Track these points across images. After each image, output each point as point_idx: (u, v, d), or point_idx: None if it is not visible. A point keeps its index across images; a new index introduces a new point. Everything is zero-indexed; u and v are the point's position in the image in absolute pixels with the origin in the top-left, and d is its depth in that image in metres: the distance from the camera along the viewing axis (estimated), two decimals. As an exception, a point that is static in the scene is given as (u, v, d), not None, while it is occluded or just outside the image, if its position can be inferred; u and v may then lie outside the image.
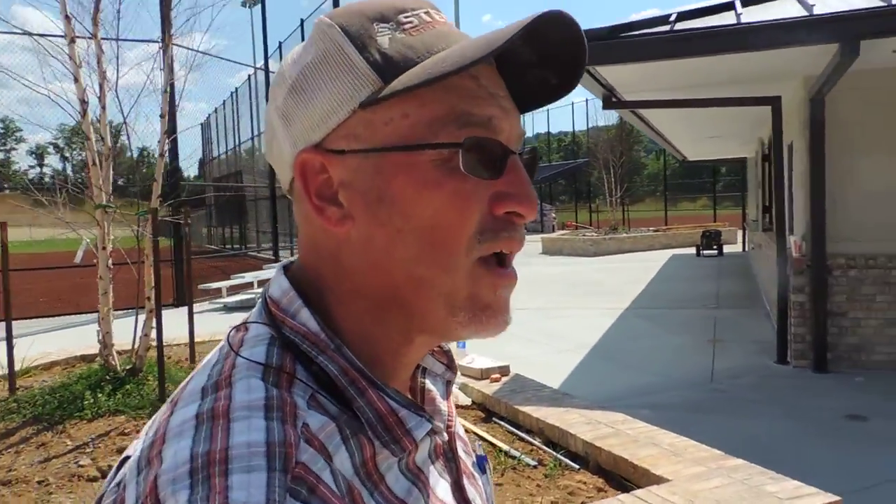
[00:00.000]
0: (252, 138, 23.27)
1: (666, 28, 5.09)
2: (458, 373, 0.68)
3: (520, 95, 0.56)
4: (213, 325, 7.77)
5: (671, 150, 15.51)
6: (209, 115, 30.98)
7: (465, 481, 0.62)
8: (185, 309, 6.15)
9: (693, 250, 17.82)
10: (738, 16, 4.98)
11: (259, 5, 23.99)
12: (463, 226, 0.50)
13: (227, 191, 25.32)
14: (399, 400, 0.51)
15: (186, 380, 0.53)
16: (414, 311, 0.53)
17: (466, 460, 0.65)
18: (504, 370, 4.79)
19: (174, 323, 6.27)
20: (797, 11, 4.88)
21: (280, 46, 20.36)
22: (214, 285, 11.66)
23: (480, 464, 0.69)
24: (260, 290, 11.75)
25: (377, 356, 0.53)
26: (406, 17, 0.53)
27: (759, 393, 5.70)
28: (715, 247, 17.30)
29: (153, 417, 0.52)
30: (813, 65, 5.30)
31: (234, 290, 11.92)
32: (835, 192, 6.02)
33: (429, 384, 0.63)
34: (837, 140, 5.97)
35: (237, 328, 0.54)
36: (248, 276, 12.20)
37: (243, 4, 33.04)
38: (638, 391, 5.86)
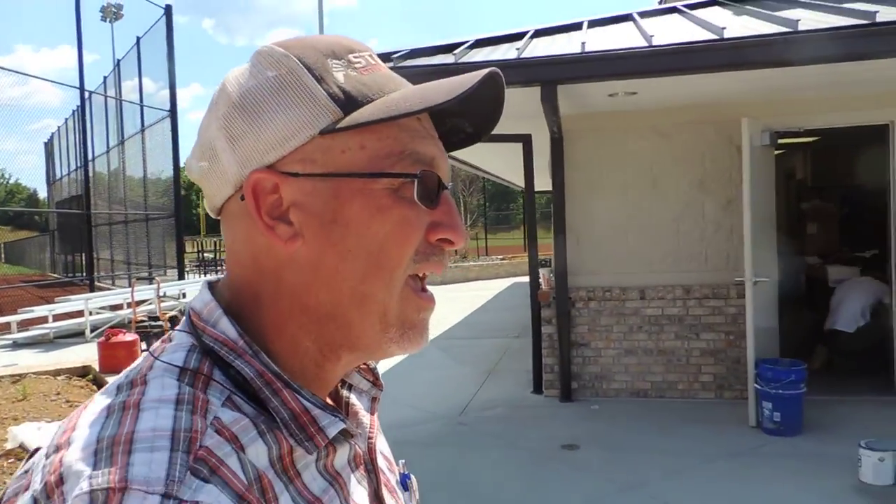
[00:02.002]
0: (93, 160, 21.95)
1: (390, 64, 5.16)
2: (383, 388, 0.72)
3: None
4: (-46, 366, 7.05)
5: (501, 180, 15.97)
6: (52, 133, 29.01)
7: (386, 493, 0.66)
8: None
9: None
10: (456, 56, 5.12)
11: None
12: (406, 248, 0.56)
13: (68, 214, 23.66)
14: (313, 400, 0.55)
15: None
16: (351, 327, 0.57)
17: (390, 476, 0.70)
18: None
19: None
20: (512, 55, 5.08)
21: (118, 64, 19.42)
22: (2, 319, 10.70)
23: (403, 481, 0.73)
24: (55, 324, 10.92)
25: (302, 369, 0.57)
26: (355, 57, 0.58)
27: (500, 425, 5.79)
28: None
29: (69, 416, 0.53)
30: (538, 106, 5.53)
31: (26, 324, 10.98)
32: (578, 227, 6.30)
33: (353, 399, 0.67)
34: (578, 178, 6.27)
35: (161, 339, 0.58)
36: (41, 310, 11.27)
37: (103, 19, 31.46)
38: (387, 425, 5.79)
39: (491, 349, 9.17)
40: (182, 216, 16.50)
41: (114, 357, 7.30)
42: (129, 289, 13.27)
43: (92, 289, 13.67)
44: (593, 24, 6.41)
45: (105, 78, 20.71)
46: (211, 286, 0.60)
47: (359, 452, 0.63)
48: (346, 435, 0.58)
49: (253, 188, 0.55)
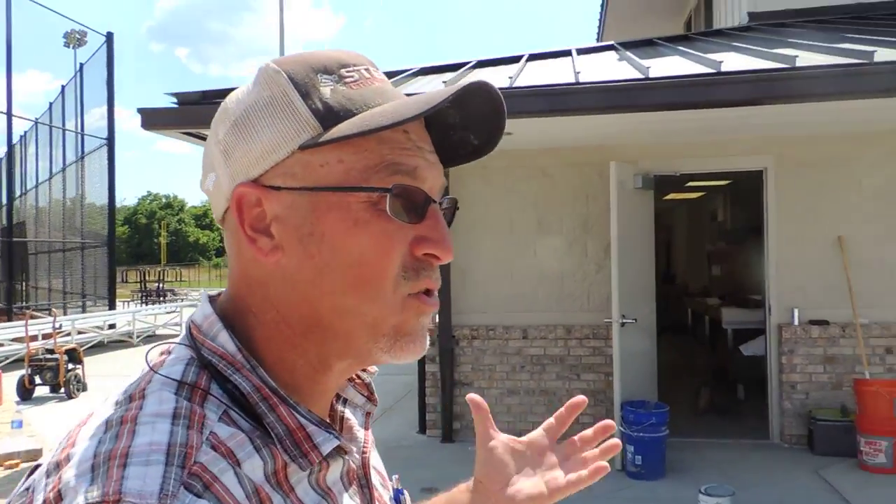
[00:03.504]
0: (35, 187, 21.53)
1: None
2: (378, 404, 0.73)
3: (445, 152, 0.63)
4: None
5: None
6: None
7: None
8: None
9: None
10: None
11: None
12: (386, 262, 0.56)
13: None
14: (309, 417, 0.55)
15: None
16: (338, 336, 0.57)
17: (383, 493, 0.70)
18: (33, 455, 4.38)
19: None
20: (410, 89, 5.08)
21: (62, 91, 19.21)
22: None
23: (397, 497, 0.73)
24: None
25: (295, 382, 0.58)
26: (348, 71, 0.58)
27: (373, 465, 5.66)
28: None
29: (67, 431, 0.54)
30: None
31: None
32: (463, 265, 6.28)
33: (348, 413, 0.68)
34: (465, 215, 6.26)
35: (161, 351, 0.58)
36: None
37: (66, 45, 31.23)
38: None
39: (399, 386, 9.04)
40: (114, 245, 16.17)
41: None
42: (61, 317, 12.94)
43: (9, 318, 13.23)
44: (533, 56, 6.54)
45: (51, 104, 20.45)
46: (211, 299, 0.61)
47: (352, 467, 0.63)
48: (339, 451, 0.58)
49: (237, 201, 0.57)
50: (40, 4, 15.40)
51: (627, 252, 5.52)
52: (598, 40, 13.81)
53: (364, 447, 0.68)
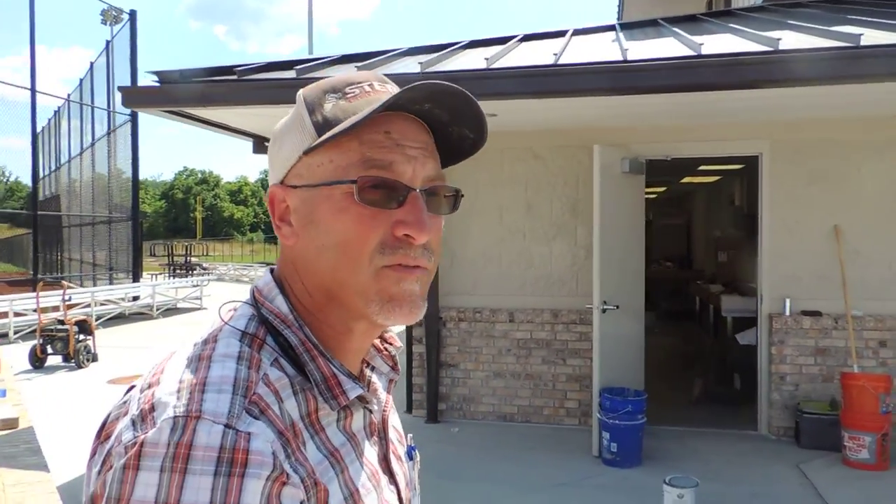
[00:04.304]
0: (69, 161, 22.06)
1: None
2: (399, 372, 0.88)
3: (451, 148, 0.76)
4: None
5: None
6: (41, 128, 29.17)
7: (393, 458, 0.80)
8: None
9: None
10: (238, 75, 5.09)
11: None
12: (363, 241, 0.67)
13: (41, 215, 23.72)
14: (340, 369, 0.69)
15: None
16: (343, 304, 0.70)
17: (399, 447, 0.84)
18: (10, 423, 4.51)
19: None
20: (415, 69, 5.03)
21: (91, 67, 19.55)
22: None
23: (409, 452, 0.87)
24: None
25: (326, 342, 0.71)
26: (351, 88, 0.71)
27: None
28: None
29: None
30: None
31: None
32: (452, 247, 6.26)
33: (374, 378, 0.82)
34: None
35: (230, 308, 0.73)
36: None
37: (103, 22, 31.76)
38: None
39: (400, 366, 9.10)
40: (138, 218, 16.52)
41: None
42: (82, 289, 13.29)
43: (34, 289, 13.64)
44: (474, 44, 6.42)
45: (81, 80, 20.84)
46: (271, 270, 0.76)
47: (374, 421, 0.76)
48: (362, 401, 0.73)
49: (271, 199, 0.74)
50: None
51: (614, 237, 5.43)
52: (618, 20, 13.50)
53: (385, 407, 0.82)
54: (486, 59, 4.74)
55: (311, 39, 29.56)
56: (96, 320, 11.41)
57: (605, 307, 5.31)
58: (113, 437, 0.60)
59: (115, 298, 13.42)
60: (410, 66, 4.99)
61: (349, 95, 0.70)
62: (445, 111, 0.72)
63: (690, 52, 4.45)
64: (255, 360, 0.65)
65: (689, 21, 6.95)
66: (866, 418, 4.87)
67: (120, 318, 13.78)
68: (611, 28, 6.84)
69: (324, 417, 0.68)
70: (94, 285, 16.22)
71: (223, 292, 20.20)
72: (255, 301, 0.72)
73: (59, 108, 24.22)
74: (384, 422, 0.80)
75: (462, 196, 0.79)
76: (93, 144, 19.28)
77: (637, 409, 5.03)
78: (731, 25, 5.76)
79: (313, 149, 0.68)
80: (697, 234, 14.73)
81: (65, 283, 11.11)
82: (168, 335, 12.04)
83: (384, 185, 0.68)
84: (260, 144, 6.69)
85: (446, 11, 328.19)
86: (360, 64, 5.11)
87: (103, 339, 10.56)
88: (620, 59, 4.52)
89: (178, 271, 24.17)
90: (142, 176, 16.96)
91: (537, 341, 6.15)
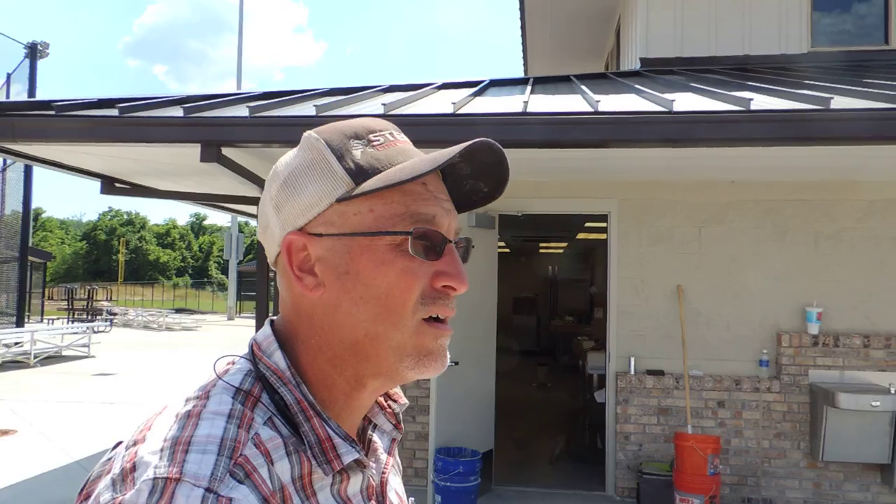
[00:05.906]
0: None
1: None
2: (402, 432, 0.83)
3: (459, 199, 0.76)
4: None
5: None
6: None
7: None
8: None
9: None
10: (120, 110, 4.89)
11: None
12: (409, 294, 0.66)
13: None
14: (337, 431, 0.66)
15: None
16: (370, 359, 0.68)
17: None
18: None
19: None
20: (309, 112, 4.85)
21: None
22: None
23: None
24: None
25: (332, 397, 0.69)
26: (375, 136, 0.71)
27: None
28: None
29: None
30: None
31: None
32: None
33: (376, 437, 0.79)
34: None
35: (227, 362, 0.71)
36: None
37: (26, 56, 30.84)
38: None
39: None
40: (26, 259, 15.64)
41: None
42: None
43: None
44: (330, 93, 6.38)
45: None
46: (272, 322, 0.72)
47: (372, 484, 0.72)
48: (359, 464, 0.68)
49: (287, 247, 0.69)
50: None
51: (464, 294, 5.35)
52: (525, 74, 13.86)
53: (384, 468, 0.77)
54: (384, 103, 4.66)
55: (241, 76, 29.28)
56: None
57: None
58: (92, 499, 0.58)
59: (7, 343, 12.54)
60: (452, 95, 4.91)
61: (375, 144, 0.70)
62: (470, 166, 0.73)
63: (518, 110, 4.48)
64: (247, 419, 0.62)
65: (559, 82, 7.12)
66: (695, 480, 4.84)
67: (-9, 366, 12.84)
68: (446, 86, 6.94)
69: (317, 481, 0.65)
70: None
71: (125, 339, 19.21)
72: (254, 356, 0.69)
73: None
74: (383, 484, 0.76)
75: (473, 247, 0.79)
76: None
77: (469, 471, 4.87)
78: (583, 87, 5.90)
79: (353, 197, 0.66)
80: (600, 289, 14.98)
81: None
82: (37, 385, 11.25)
83: (428, 238, 0.67)
84: (109, 184, 6.39)
85: (391, 59, 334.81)
86: (187, 105, 4.94)
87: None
88: (451, 111, 4.52)
89: (77, 316, 22.92)
90: (62, 215, 16.23)
91: (388, 397, 5.95)
